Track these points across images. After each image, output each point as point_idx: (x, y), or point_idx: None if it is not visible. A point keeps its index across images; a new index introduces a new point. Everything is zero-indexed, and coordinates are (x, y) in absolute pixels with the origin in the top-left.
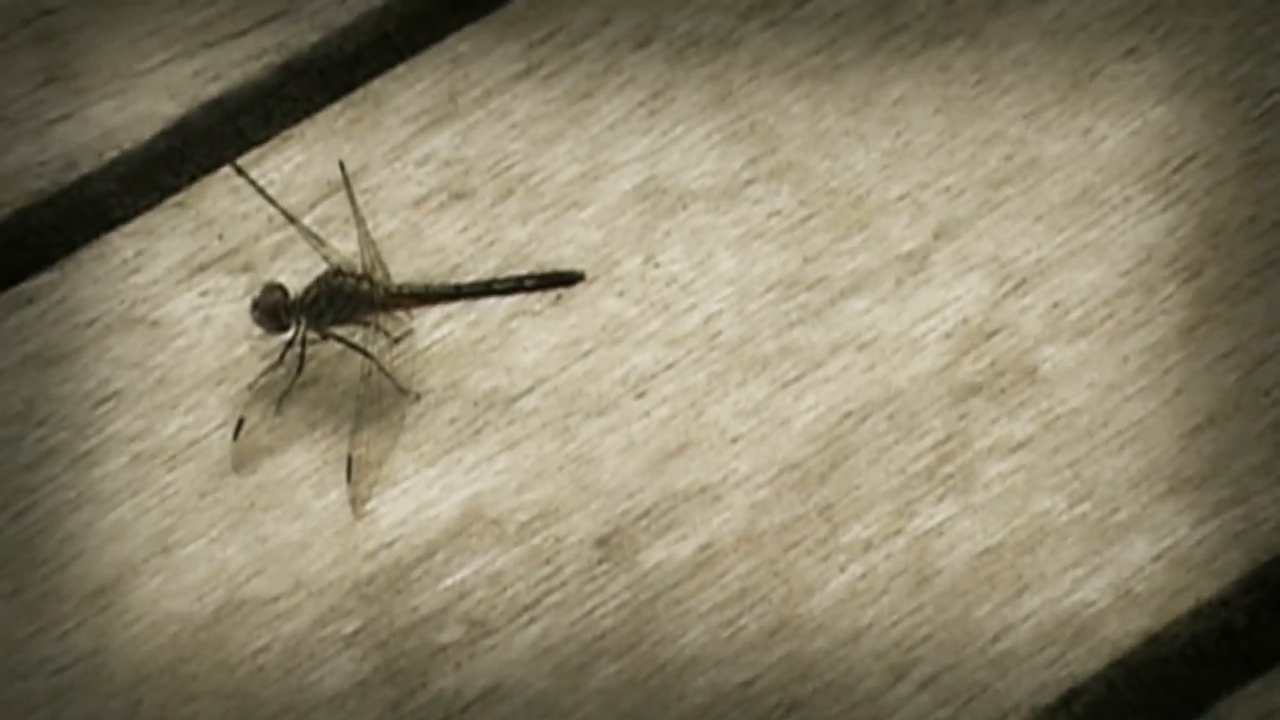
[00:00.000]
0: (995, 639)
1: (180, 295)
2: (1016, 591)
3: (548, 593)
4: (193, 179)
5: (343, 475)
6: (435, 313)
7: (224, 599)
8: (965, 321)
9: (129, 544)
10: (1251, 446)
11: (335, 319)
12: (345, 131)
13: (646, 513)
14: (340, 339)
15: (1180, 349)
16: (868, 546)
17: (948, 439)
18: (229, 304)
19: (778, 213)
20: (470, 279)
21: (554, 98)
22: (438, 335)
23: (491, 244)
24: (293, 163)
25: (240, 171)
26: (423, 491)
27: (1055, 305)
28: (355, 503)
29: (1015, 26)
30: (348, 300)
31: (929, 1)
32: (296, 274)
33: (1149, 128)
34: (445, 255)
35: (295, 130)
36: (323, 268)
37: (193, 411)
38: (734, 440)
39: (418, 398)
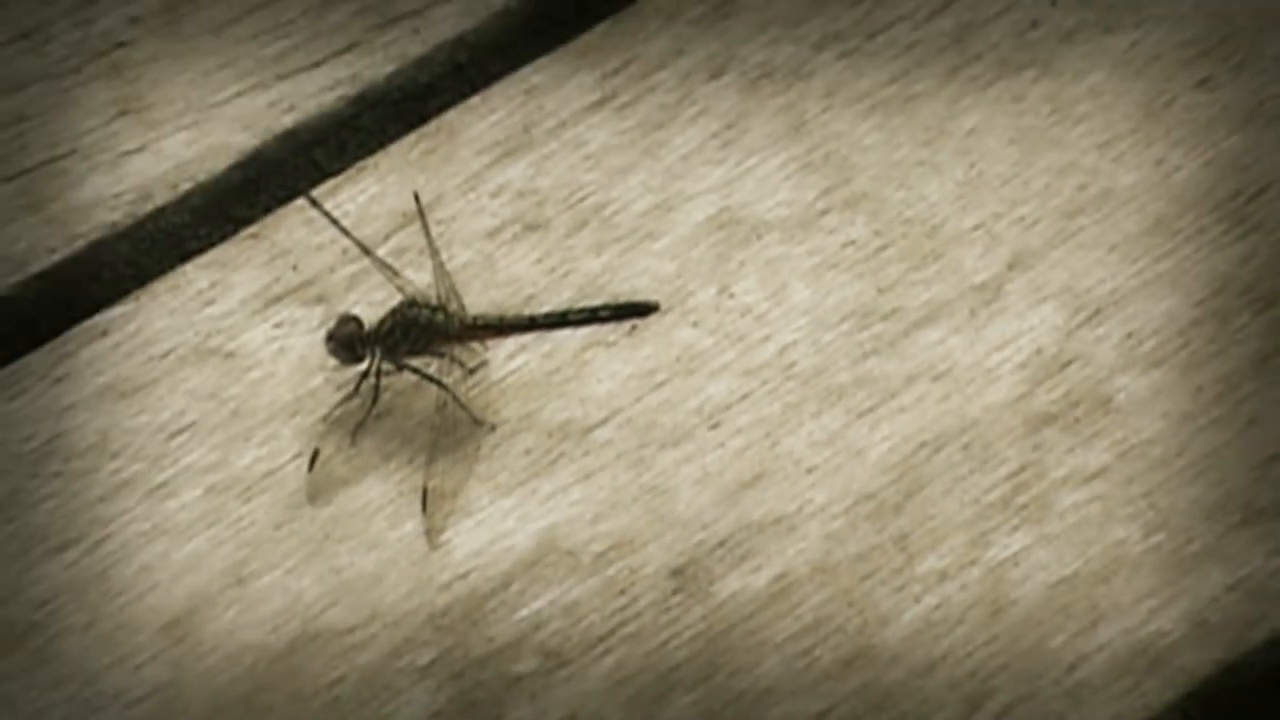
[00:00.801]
0: (1070, 669)
1: (255, 327)
2: (1091, 622)
3: (623, 624)
4: (267, 210)
5: (418, 506)
6: (510, 344)
7: (299, 630)
8: (1039, 352)
9: (204, 576)
10: None
11: (410, 350)
12: (419, 163)
13: (721, 543)
14: (415, 370)
15: (1254, 379)
16: (943, 577)
17: (1022, 469)
18: (304, 335)
19: (852, 243)
20: (545, 310)
21: (628, 128)
22: (512, 366)
23: (566, 275)
24: (367, 194)
25: (314, 203)
26: (498, 522)
27: (1129, 335)
28: (430, 534)
29: (1088, 57)
30: (422, 331)
31: (1002, 32)
32: (371, 305)
33: (1222, 158)
34: (519, 286)
35: (369, 161)
36: (397, 299)
37: (267, 443)
38: (809, 471)
39: (493, 429)
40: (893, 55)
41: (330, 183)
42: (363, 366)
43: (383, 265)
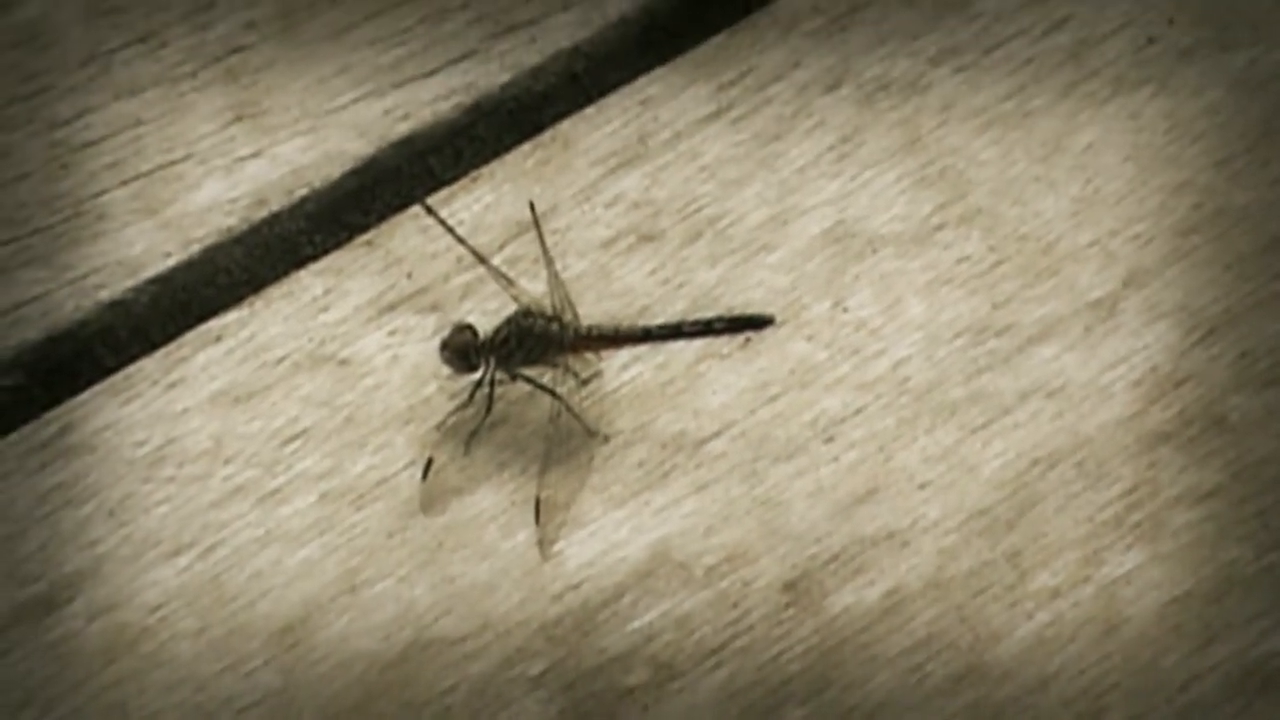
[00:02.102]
0: (1183, 688)
1: (369, 334)
2: (1204, 641)
3: (735, 636)
4: (382, 218)
5: (531, 516)
6: (623, 354)
7: (411, 638)
8: (1154, 370)
9: (316, 582)
10: None
11: (524, 360)
12: (534, 172)
13: (834, 557)
14: (529, 380)
15: None
16: (1055, 594)
17: (1136, 487)
18: (417, 343)
19: (967, 258)
20: (659, 321)
21: (743, 140)
22: (626, 377)
23: (680, 286)
24: (482, 202)
25: (430, 211)
26: (611, 533)
27: (1243, 354)
28: (543, 544)
29: (1205, 75)
30: (537, 341)
31: (1119, 48)
32: (485, 314)
33: None
34: (634, 297)
35: (485, 170)
36: (512, 308)
37: (381, 451)
38: (922, 486)
39: (606, 440)
40: (1009, 70)
41: (445, 191)
42: (477, 375)
43: (498, 274)
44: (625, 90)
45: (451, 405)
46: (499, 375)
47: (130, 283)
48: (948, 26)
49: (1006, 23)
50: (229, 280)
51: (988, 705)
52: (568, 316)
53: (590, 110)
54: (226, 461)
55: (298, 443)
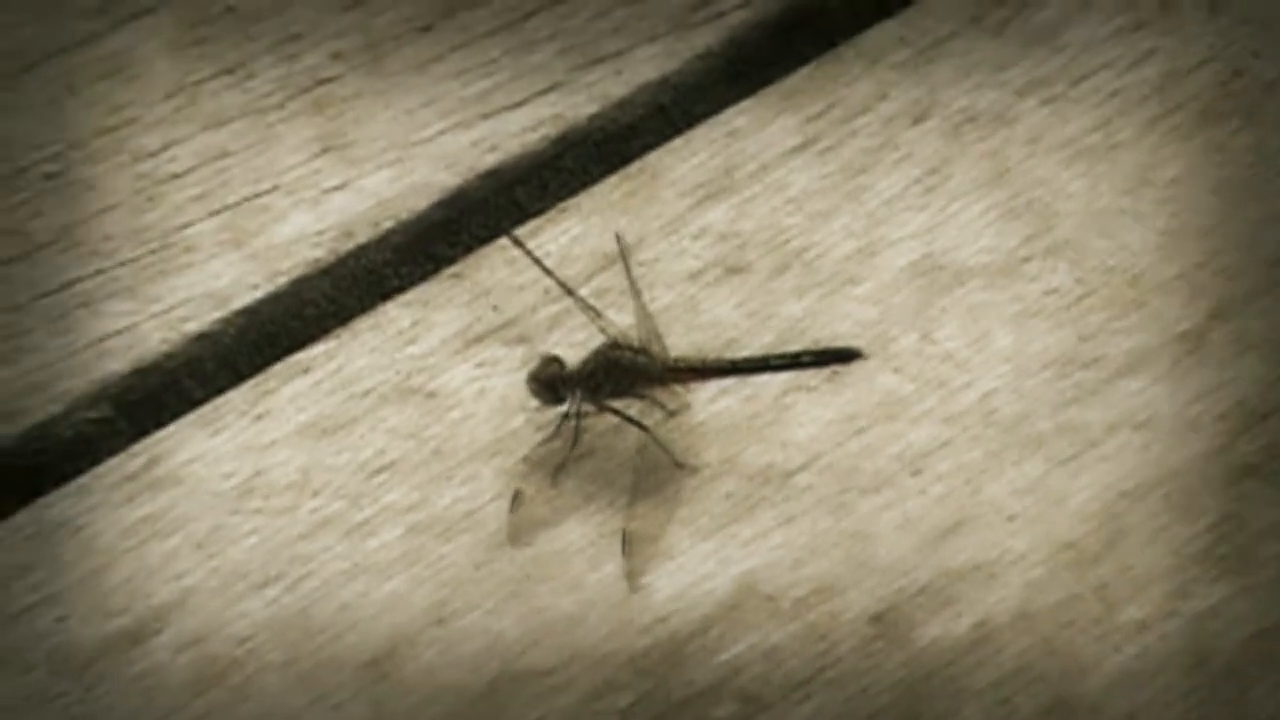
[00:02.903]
0: None
1: (456, 366)
2: None
3: (823, 669)
4: (468, 249)
5: (618, 548)
6: (711, 387)
7: (499, 671)
8: (1241, 403)
9: (404, 615)
10: None
11: (612, 392)
12: (621, 204)
13: (922, 590)
14: (616, 412)
15: None
16: (1143, 627)
17: (1223, 520)
18: (505, 375)
19: (1054, 290)
20: (746, 354)
21: (830, 172)
22: (713, 410)
23: (767, 318)
24: (569, 234)
25: (517, 242)
26: (698, 566)
27: None
28: (631, 576)
29: None
30: (625, 373)
31: (1204, 81)
32: (572, 346)
33: None
34: (721, 329)
35: (572, 202)
36: (600, 340)
37: (468, 483)
38: (1010, 519)
39: (694, 472)
40: (1096, 103)
41: (532, 223)
42: (564, 408)
43: (585, 306)
44: (712, 122)
45: (539, 437)
46: (586, 407)
47: (217, 315)
48: (1035, 58)
49: (1093, 55)
50: (316, 312)
51: None
52: (655, 349)
53: (677, 142)
54: (314, 494)
55: (385, 475)
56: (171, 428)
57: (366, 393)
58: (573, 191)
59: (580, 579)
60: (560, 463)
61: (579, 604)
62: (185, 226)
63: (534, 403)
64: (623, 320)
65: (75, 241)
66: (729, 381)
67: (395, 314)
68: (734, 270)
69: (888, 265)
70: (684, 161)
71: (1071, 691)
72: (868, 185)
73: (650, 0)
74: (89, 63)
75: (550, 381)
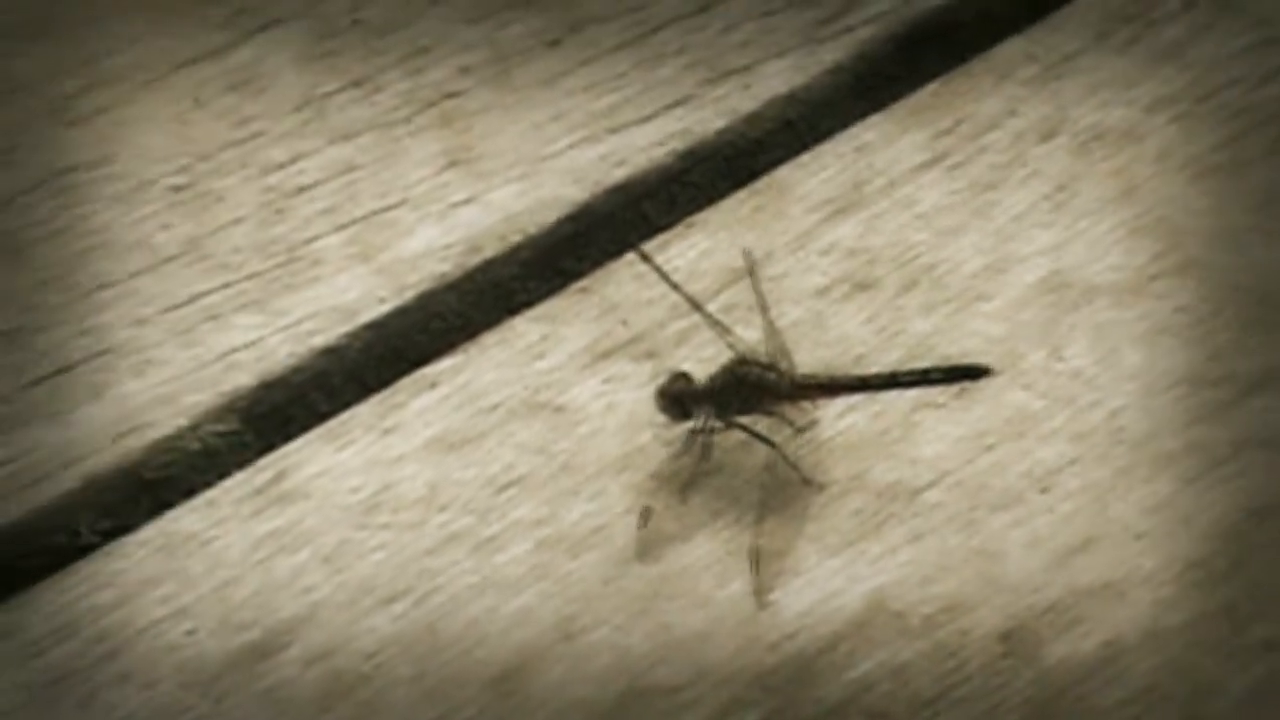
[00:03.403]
0: None
1: (584, 381)
2: None
3: (951, 687)
4: (596, 264)
5: (746, 565)
6: (839, 403)
7: (626, 687)
8: None
9: (532, 630)
10: None
11: (740, 408)
12: (749, 219)
13: (1050, 608)
14: (745, 428)
15: None
16: (1270, 646)
17: None
18: (632, 390)
19: (1183, 308)
20: (874, 370)
21: (959, 188)
22: (841, 426)
23: (896, 334)
24: (697, 249)
25: (646, 257)
26: (826, 582)
27: None
28: (759, 593)
29: None
30: (753, 390)
31: None
32: (700, 362)
33: None
34: (849, 345)
35: (699, 217)
36: (728, 356)
37: (596, 499)
38: (1138, 537)
39: (822, 488)
40: (1223, 120)
41: (660, 237)
42: (692, 423)
43: (713, 321)
44: (840, 137)
45: (667, 453)
46: (714, 423)
47: (344, 328)
48: (1162, 75)
49: (1220, 72)
50: (443, 326)
51: None
52: (783, 365)
53: (806, 157)
54: (442, 509)
55: (513, 490)
56: (298, 442)
57: (494, 407)
58: (701, 206)
59: (708, 595)
60: (688, 479)
61: (707, 620)
62: (312, 240)
63: (662, 418)
64: (751, 336)
65: (203, 254)
66: (857, 398)
67: (523, 329)
68: (862, 286)
69: (1016, 282)
70: (812, 176)
71: (1199, 711)
72: (996, 201)
73: (779, 15)
74: (216, 75)
75: (679, 397)
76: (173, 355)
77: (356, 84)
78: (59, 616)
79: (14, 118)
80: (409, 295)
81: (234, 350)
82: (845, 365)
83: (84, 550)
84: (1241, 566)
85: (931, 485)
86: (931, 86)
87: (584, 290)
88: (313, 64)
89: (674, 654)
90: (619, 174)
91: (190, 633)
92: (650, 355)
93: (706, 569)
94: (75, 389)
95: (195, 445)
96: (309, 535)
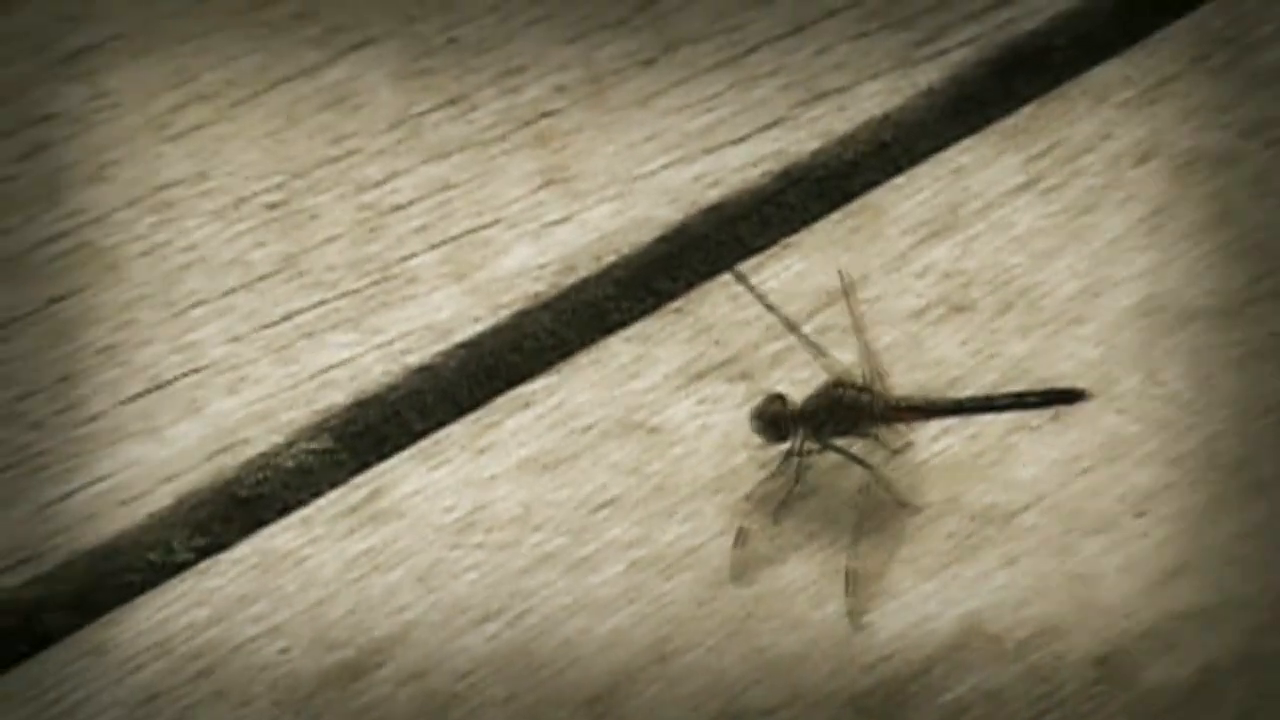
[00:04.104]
0: None
1: (678, 402)
2: None
3: (1045, 711)
4: (690, 285)
5: (841, 587)
6: (933, 426)
7: (720, 710)
8: None
9: (626, 651)
10: None
11: (835, 430)
12: (844, 241)
13: (1145, 633)
14: (840, 450)
15: None
16: None
17: None
18: (727, 412)
19: (1278, 333)
20: (969, 393)
21: (1054, 212)
22: (936, 448)
23: (991, 357)
24: (792, 271)
25: (741, 278)
26: (921, 605)
27: None
28: (854, 615)
29: None
30: (849, 412)
31: None
32: (795, 384)
33: None
34: (944, 367)
35: (794, 239)
36: (823, 378)
37: (690, 520)
38: (1232, 562)
39: (917, 511)
40: None
41: (754, 259)
42: (787, 445)
43: (808, 343)
44: (935, 160)
45: (761, 475)
46: (809, 445)
47: (438, 347)
48: (1258, 100)
49: None
50: (537, 346)
51: None
52: (879, 387)
53: (900, 179)
54: (536, 529)
55: (607, 510)
56: (393, 460)
57: (588, 428)
58: (795, 228)
59: (803, 617)
60: (783, 500)
61: (801, 642)
62: (407, 258)
63: (757, 440)
64: (846, 358)
65: (298, 272)
66: (952, 421)
67: (617, 349)
68: (958, 309)
69: (1112, 305)
70: (907, 199)
71: None
72: (1092, 225)
73: (873, 37)
74: (311, 93)
75: (774, 419)
76: (268, 373)
77: (452, 102)
78: (153, 634)
79: (113, 133)
80: (503, 314)
81: (329, 368)
82: (940, 388)
83: (178, 568)
84: None
85: (1026, 508)
86: (1026, 110)
87: (678, 311)
88: (408, 82)
89: (768, 676)
90: (713, 194)
91: (284, 651)
92: (745, 377)
93: (801, 591)
94: (170, 406)
95: (290, 463)
96: (403, 554)
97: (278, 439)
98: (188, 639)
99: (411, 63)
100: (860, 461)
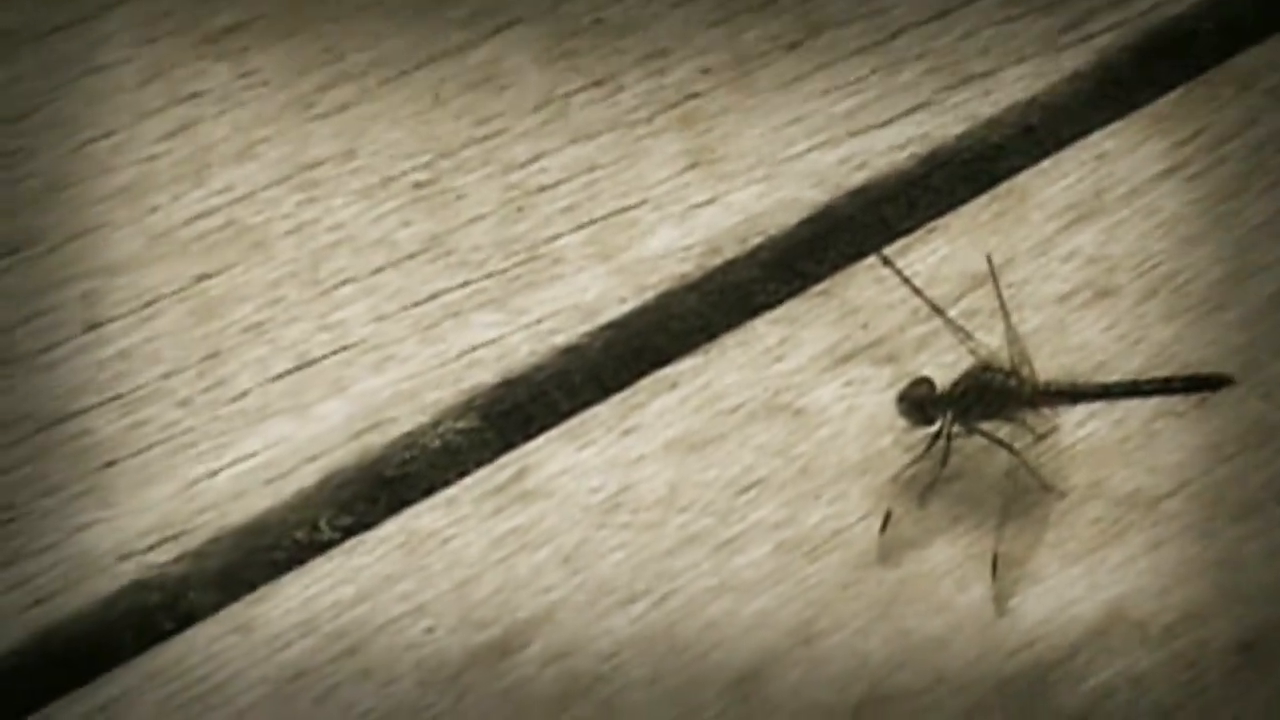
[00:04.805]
0: None
1: (824, 384)
2: None
3: (1190, 697)
4: (836, 267)
5: (986, 571)
6: (1079, 410)
7: (866, 692)
8: None
9: (771, 633)
10: None
11: (982, 414)
12: (990, 225)
13: None
14: (986, 434)
15: None
16: None
17: None
18: (873, 394)
19: None
20: (1115, 378)
21: (1198, 198)
22: (1081, 434)
23: (1136, 342)
24: (937, 254)
25: (887, 261)
26: (1066, 590)
27: None
28: (999, 600)
29: None
30: (995, 396)
31: None
32: (941, 367)
33: None
34: (1089, 352)
35: (940, 222)
36: (968, 361)
37: (836, 502)
38: None
39: (1062, 495)
40: None
41: (900, 242)
42: (933, 428)
43: (955, 327)
44: (1081, 144)
45: (907, 458)
46: (955, 429)
47: (585, 328)
48: None
49: None
50: (682, 327)
51: None
52: (1025, 371)
53: (1046, 164)
54: (681, 510)
55: (753, 492)
56: (539, 440)
57: (734, 409)
58: (941, 211)
59: (947, 601)
60: (929, 483)
61: (946, 626)
62: (553, 239)
63: (902, 423)
64: (992, 342)
65: (444, 251)
66: (1097, 405)
67: (763, 330)
68: (1103, 294)
69: (1257, 291)
70: (1053, 184)
71: None
72: (1236, 211)
73: (1019, 21)
74: (457, 73)
75: (920, 402)
76: (414, 352)
77: (597, 84)
78: (300, 612)
79: (260, 112)
80: (649, 295)
81: (475, 348)
82: (1086, 372)
83: (324, 546)
84: None
85: (1170, 494)
86: (1172, 95)
87: (824, 293)
88: (553, 63)
89: (912, 659)
90: (859, 177)
91: (429, 630)
92: (891, 359)
93: (946, 574)
94: (317, 384)
95: (436, 442)
96: (548, 534)
97: (424, 418)
98: (333, 617)
99: (557, 44)
100: (1006, 445)
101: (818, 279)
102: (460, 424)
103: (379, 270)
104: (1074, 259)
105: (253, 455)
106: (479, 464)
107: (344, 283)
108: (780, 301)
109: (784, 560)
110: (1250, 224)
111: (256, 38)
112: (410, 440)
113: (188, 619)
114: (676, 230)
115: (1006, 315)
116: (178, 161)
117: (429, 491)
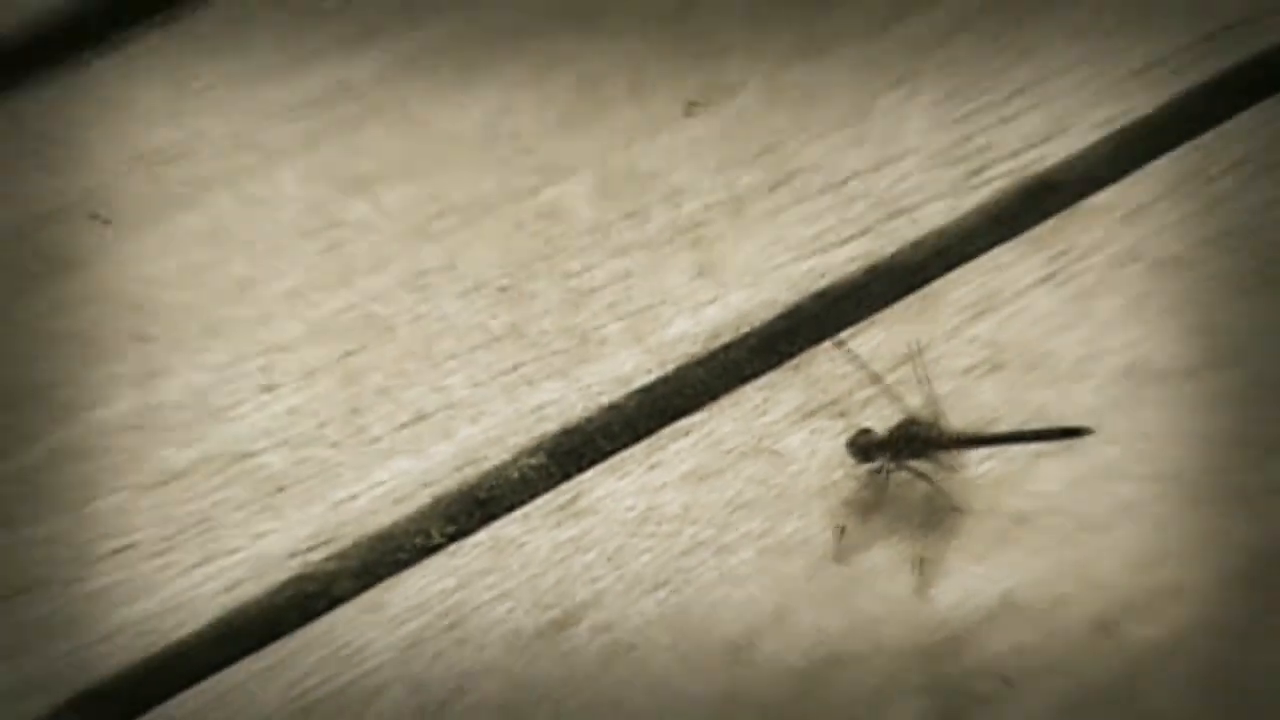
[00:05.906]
0: None
1: (795, 433)
2: None
3: (1058, 661)
4: (803, 349)
5: (899, 570)
6: (980, 452)
7: (825, 655)
8: None
9: (755, 612)
10: None
11: (910, 455)
12: (914, 318)
13: (1131, 603)
14: (913, 470)
15: None
16: None
17: None
18: (830, 440)
19: (1220, 392)
20: (1004, 429)
21: (1066, 298)
22: (981, 469)
23: (1021, 404)
24: (876, 340)
25: (841, 344)
26: (970, 583)
27: None
28: (921, 590)
29: None
30: (919, 442)
31: None
32: (879, 420)
33: None
34: (986, 410)
35: (878, 316)
36: (899, 416)
37: (803, 518)
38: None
39: (967, 514)
40: None
41: (849, 330)
42: (874, 465)
43: (889, 392)
44: (980, 259)
45: (855, 486)
46: (890, 466)
47: (622, 391)
48: None
49: None
50: (694, 391)
51: None
52: (941, 424)
53: (954, 274)
54: (692, 523)
55: (744, 510)
56: (589, 473)
57: (730, 450)
58: (879, 308)
59: (885, 591)
60: (871, 505)
61: (884, 609)
62: (600, 327)
63: (851, 461)
64: (915, 402)
65: (521, 335)
66: (993, 449)
67: (751, 394)
68: (996, 368)
69: (1110, 366)
70: (959, 288)
71: None
72: (1094, 307)
73: (937, 169)
74: (531, 208)
75: (865, 446)
76: (500, 408)
77: (630, 215)
78: (416, 597)
79: (388, 234)
80: (669, 368)
81: (543, 405)
82: (984, 425)
83: (434, 549)
84: None
85: (1047, 513)
86: (1048, 223)
87: (795, 368)
88: (600, 201)
89: (859, 632)
90: (821, 283)
91: (510, 610)
92: (843, 415)
93: (884, 571)
94: (430, 432)
95: (515, 474)
96: (596, 541)
97: (506, 456)
98: (440, 600)
99: (603, 187)
100: (927, 478)
101: (790, 357)
102: (532, 461)
103: (474, 349)
104: (975, 343)
105: (383, 483)
106: (545, 490)
107: (449, 358)
108: (764, 373)
109: (766, 561)
110: (1103, 318)
111: (386, 181)
112: (496, 472)
113: (335, 602)
114: (689, 321)
115: (927, 383)
116: (329, 271)
117: (510, 509)
